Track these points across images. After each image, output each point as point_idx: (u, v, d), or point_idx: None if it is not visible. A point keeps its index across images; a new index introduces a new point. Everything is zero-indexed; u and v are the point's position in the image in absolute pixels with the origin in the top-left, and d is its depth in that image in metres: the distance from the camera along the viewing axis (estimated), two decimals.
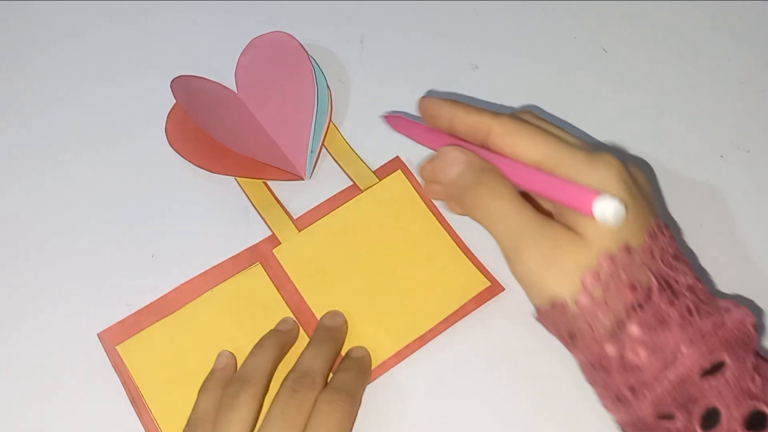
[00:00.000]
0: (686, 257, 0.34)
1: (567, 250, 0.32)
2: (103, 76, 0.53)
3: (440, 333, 0.42)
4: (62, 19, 0.56)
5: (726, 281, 0.44)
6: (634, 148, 0.49)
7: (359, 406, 0.40)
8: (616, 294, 0.31)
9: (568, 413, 0.40)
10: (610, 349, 0.31)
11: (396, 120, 0.43)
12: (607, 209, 0.31)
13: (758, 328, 0.33)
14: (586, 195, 0.31)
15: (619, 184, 0.32)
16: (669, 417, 0.31)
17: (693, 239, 0.45)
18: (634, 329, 0.31)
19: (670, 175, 0.48)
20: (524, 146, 0.35)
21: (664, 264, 0.32)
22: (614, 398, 0.33)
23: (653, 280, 0.32)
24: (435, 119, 0.39)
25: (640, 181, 0.35)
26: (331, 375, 0.40)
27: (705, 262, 0.45)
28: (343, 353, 0.42)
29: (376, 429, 0.40)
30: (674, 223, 0.46)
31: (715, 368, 0.31)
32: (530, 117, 0.38)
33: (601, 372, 0.32)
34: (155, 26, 0.55)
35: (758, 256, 0.45)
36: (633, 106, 0.51)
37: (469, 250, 0.45)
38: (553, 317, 0.33)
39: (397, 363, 0.42)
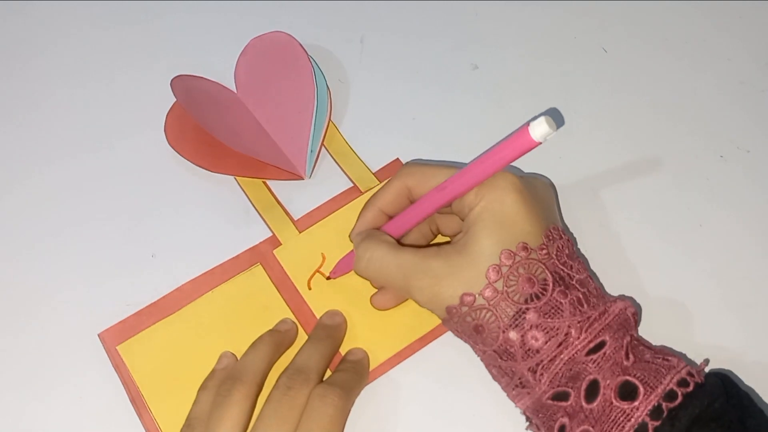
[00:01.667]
0: (581, 259, 0.39)
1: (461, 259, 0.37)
2: (103, 76, 0.53)
3: (440, 335, 0.42)
4: (62, 19, 0.56)
5: (727, 277, 0.44)
6: (634, 147, 0.49)
7: (352, 404, 0.40)
8: (516, 286, 0.36)
9: None
10: (513, 335, 0.35)
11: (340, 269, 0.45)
12: (541, 127, 0.33)
13: (636, 316, 0.37)
14: (522, 136, 0.34)
15: (514, 194, 0.37)
16: (563, 397, 0.35)
17: (693, 238, 0.45)
18: (532, 316, 0.35)
19: (670, 175, 0.48)
20: (434, 173, 0.40)
21: (560, 262, 0.37)
22: (518, 385, 0.36)
23: (549, 275, 0.36)
24: (377, 221, 0.42)
25: (540, 192, 0.40)
26: (329, 375, 0.40)
27: (705, 259, 0.45)
28: (342, 353, 0.42)
29: (374, 429, 0.40)
30: (673, 222, 0.46)
31: (598, 347, 0.35)
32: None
33: (507, 360, 0.36)
34: (155, 26, 0.55)
35: (758, 253, 0.45)
36: (633, 106, 0.51)
37: None
38: (461, 314, 0.36)
39: (397, 364, 0.42)
